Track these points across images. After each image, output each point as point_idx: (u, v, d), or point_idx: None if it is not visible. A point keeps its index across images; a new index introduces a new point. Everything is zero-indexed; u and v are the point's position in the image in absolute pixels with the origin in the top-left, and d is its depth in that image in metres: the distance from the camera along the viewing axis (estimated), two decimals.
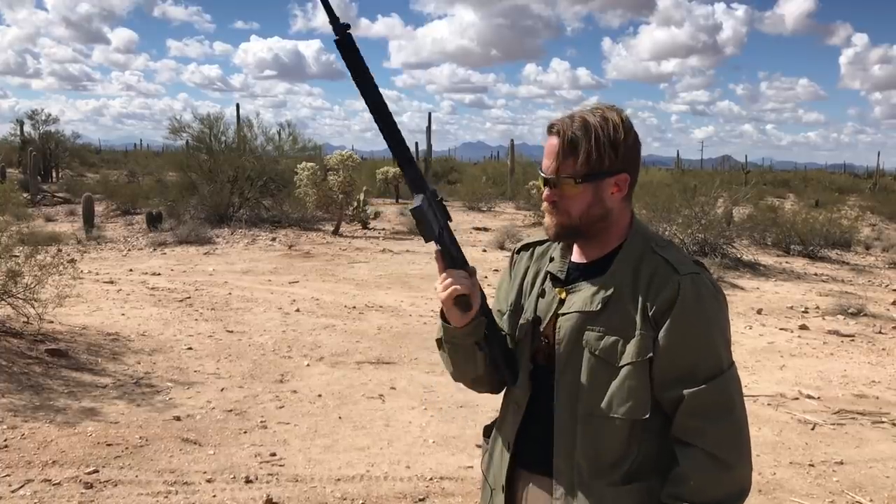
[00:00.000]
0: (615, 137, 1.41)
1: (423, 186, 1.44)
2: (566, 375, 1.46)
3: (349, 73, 1.40)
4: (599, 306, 1.44)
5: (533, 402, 1.53)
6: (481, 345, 1.51)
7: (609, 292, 1.44)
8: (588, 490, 1.43)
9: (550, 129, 1.46)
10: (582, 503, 1.44)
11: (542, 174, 1.47)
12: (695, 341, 1.39)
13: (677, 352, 1.39)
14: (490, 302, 1.57)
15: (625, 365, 1.41)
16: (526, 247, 1.67)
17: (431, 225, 1.45)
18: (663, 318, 1.40)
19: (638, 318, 1.41)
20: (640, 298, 1.42)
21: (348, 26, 1.37)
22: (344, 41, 1.37)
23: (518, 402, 1.54)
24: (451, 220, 1.49)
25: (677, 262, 1.43)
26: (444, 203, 1.47)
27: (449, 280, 1.45)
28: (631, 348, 1.41)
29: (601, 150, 1.40)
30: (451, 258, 1.46)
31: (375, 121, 1.41)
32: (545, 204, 1.49)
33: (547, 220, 1.50)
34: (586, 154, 1.41)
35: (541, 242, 1.64)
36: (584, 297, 1.47)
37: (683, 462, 1.38)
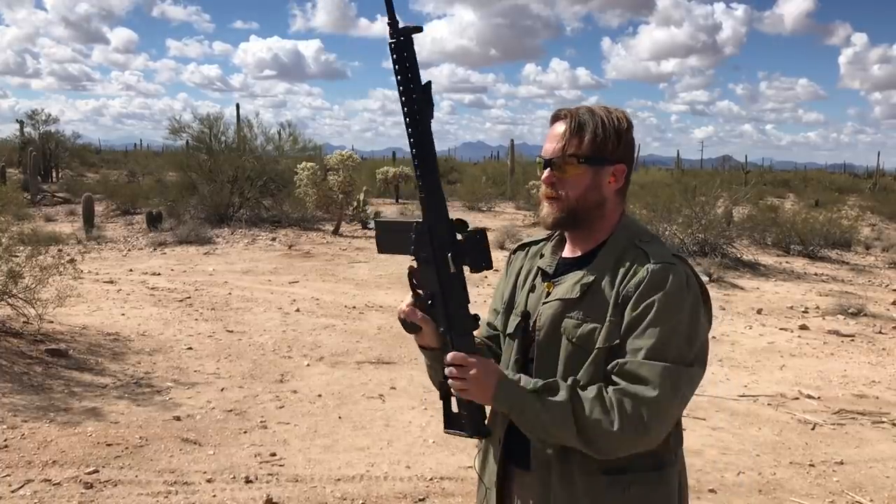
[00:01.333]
0: (619, 127, 1.47)
1: (429, 214, 1.42)
2: (543, 362, 1.49)
3: (398, 78, 1.37)
4: (578, 294, 1.46)
5: None
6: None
7: (589, 280, 1.47)
8: (565, 480, 1.45)
9: (556, 115, 1.51)
10: (560, 494, 1.46)
11: (542, 157, 1.50)
12: (649, 323, 1.38)
13: (631, 329, 1.40)
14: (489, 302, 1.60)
15: (599, 349, 1.43)
16: (522, 246, 1.71)
17: (387, 243, 1.51)
18: (627, 301, 1.42)
19: (610, 306, 1.43)
20: (614, 287, 1.44)
21: (416, 30, 1.36)
22: (403, 44, 1.36)
23: None
24: (480, 268, 1.43)
25: (654, 254, 1.45)
26: (480, 240, 1.42)
27: (404, 300, 1.52)
28: (602, 334, 1.43)
29: (606, 134, 1.46)
30: (413, 286, 1.49)
31: (409, 136, 1.39)
32: (543, 189, 1.51)
33: (545, 209, 1.52)
34: (592, 135, 1.45)
35: (536, 242, 1.68)
36: (566, 286, 1.50)
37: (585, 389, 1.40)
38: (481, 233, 1.42)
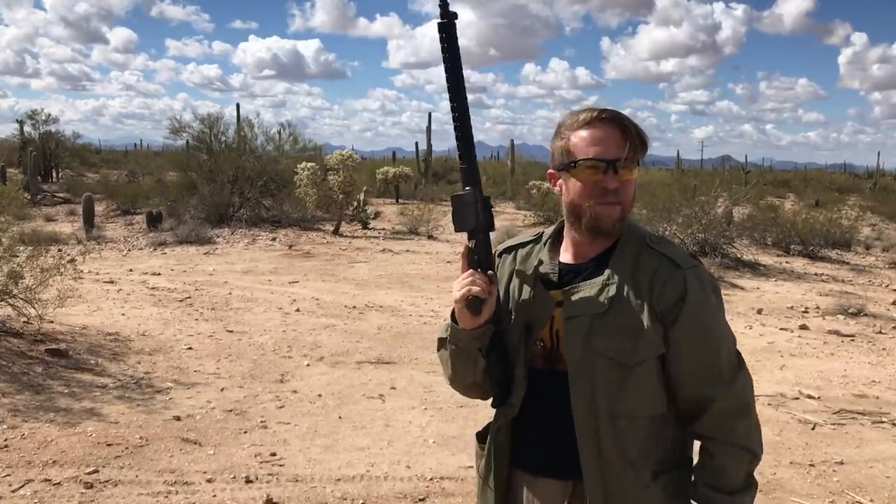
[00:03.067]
0: (643, 134, 1.49)
1: (476, 182, 1.46)
2: (580, 379, 1.45)
3: (445, 58, 1.44)
4: (606, 307, 1.44)
5: (529, 405, 1.51)
6: (484, 352, 1.50)
7: (612, 292, 1.44)
8: (621, 490, 1.43)
9: (606, 119, 1.45)
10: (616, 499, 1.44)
11: (606, 158, 1.43)
12: (710, 338, 1.45)
13: (696, 348, 1.43)
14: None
15: (638, 363, 1.41)
16: (508, 249, 1.64)
17: (468, 217, 1.46)
18: (671, 313, 1.41)
19: (645, 317, 1.41)
20: (645, 296, 1.42)
21: (456, 15, 1.42)
22: (448, 26, 1.42)
23: (513, 405, 1.53)
24: (493, 230, 1.49)
25: (677, 257, 1.46)
26: (491, 210, 1.49)
27: (469, 279, 1.44)
28: (642, 346, 1.41)
29: (643, 141, 1.48)
30: (477, 260, 1.46)
31: (452, 110, 1.45)
32: (606, 192, 1.44)
33: (607, 214, 1.45)
34: (642, 139, 1.47)
35: (523, 245, 1.62)
36: (587, 298, 1.45)
37: (719, 456, 1.45)
38: (488, 197, 1.51)
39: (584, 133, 1.45)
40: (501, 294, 1.57)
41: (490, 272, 1.47)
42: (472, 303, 1.44)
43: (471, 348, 1.49)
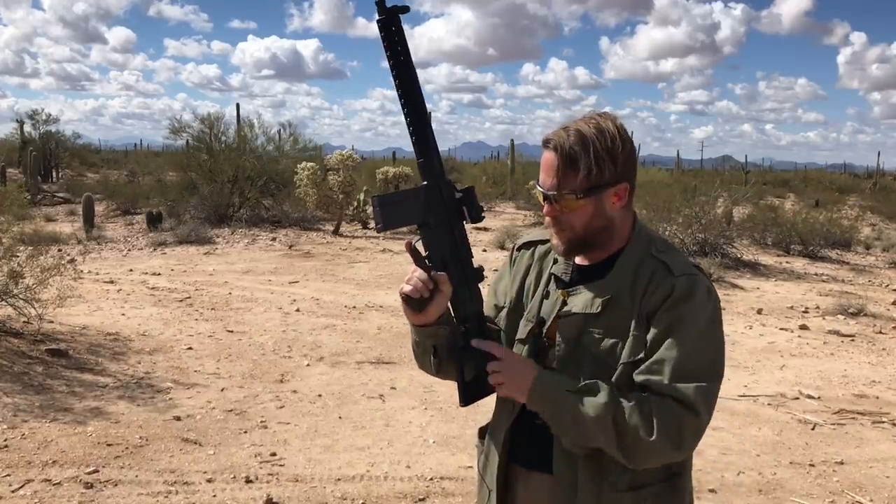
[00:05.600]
0: (613, 148, 1.40)
1: (434, 175, 1.43)
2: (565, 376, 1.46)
3: (388, 55, 1.42)
4: (599, 309, 1.44)
5: None
6: (438, 350, 1.52)
7: (608, 295, 1.45)
8: (591, 492, 1.43)
9: (546, 143, 1.44)
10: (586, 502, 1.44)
11: (541, 189, 1.45)
12: (682, 335, 1.37)
13: (658, 342, 1.38)
14: (483, 293, 1.55)
15: (620, 365, 1.41)
16: (527, 245, 1.66)
17: (398, 215, 1.44)
18: (653, 314, 1.40)
19: (633, 320, 1.42)
20: (636, 301, 1.43)
21: (406, 9, 1.40)
22: (389, 22, 1.40)
23: (514, 401, 1.53)
24: (466, 221, 1.46)
25: (674, 265, 1.44)
26: (456, 198, 1.45)
27: (408, 277, 1.45)
28: (626, 349, 1.41)
29: (600, 163, 1.39)
30: (421, 258, 1.45)
31: (402, 107, 1.42)
32: (548, 219, 1.48)
33: (554, 239, 1.49)
34: (587, 169, 1.39)
35: (543, 241, 1.63)
36: (584, 299, 1.47)
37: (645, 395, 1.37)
38: (470, 188, 1.47)
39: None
40: (515, 287, 1.61)
41: (440, 273, 1.44)
42: (408, 300, 1.44)
43: (424, 342, 1.52)
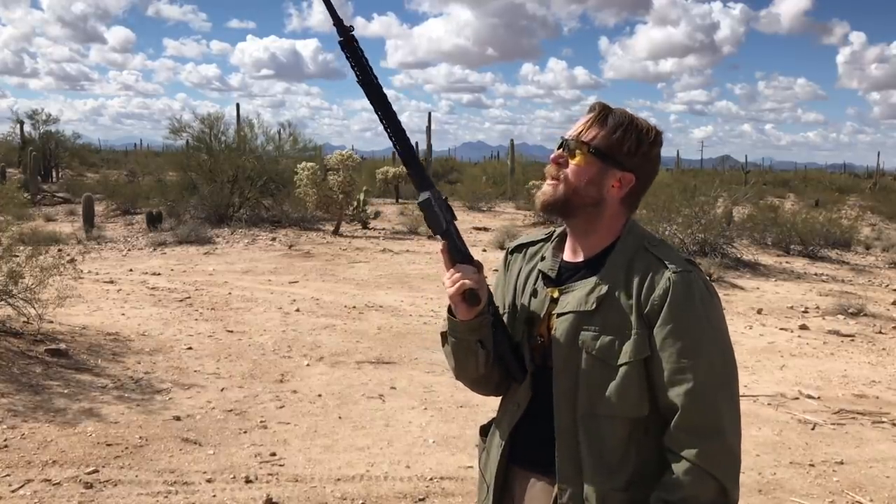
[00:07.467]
0: (642, 137, 1.46)
1: (428, 184, 1.48)
2: (563, 376, 1.46)
3: (354, 74, 1.44)
4: (594, 306, 1.44)
5: (532, 401, 1.52)
6: (484, 342, 1.51)
7: (603, 291, 1.44)
8: (592, 492, 1.42)
9: (592, 106, 1.50)
10: None
11: (563, 137, 1.50)
12: (685, 341, 1.38)
13: (669, 349, 1.38)
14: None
15: (622, 364, 1.40)
16: (519, 247, 1.67)
17: (439, 218, 1.48)
18: (656, 315, 1.40)
19: (633, 317, 1.41)
20: (633, 297, 1.42)
21: (352, 28, 1.41)
22: (349, 42, 1.41)
23: (519, 402, 1.53)
24: (455, 219, 1.50)
25: (668, 260, 1.43)
26: (447, 202, 1.51)
27: (458, 274, 1.46)
28: (628, 348, 1.40)
29: (624, 136, 1.44)
30: (459, 252, 1.48)
31: (380, 119, 1.45)
32: (549, 167, 1.50)
33: (542, 188, 1.52)
34: (611, 129, 1.45)
35: (533, 243, 1.64)
36: (578, 296, 1.46)
37: (678, 472, 1.36)
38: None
39: None
40: (510, 290, 1.61)
41: (476, 261, 1.49)
42: (467, 295, 1.46)
43: (470, 340, 1.50)
